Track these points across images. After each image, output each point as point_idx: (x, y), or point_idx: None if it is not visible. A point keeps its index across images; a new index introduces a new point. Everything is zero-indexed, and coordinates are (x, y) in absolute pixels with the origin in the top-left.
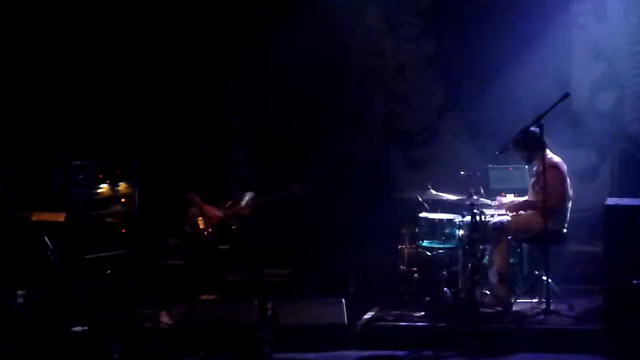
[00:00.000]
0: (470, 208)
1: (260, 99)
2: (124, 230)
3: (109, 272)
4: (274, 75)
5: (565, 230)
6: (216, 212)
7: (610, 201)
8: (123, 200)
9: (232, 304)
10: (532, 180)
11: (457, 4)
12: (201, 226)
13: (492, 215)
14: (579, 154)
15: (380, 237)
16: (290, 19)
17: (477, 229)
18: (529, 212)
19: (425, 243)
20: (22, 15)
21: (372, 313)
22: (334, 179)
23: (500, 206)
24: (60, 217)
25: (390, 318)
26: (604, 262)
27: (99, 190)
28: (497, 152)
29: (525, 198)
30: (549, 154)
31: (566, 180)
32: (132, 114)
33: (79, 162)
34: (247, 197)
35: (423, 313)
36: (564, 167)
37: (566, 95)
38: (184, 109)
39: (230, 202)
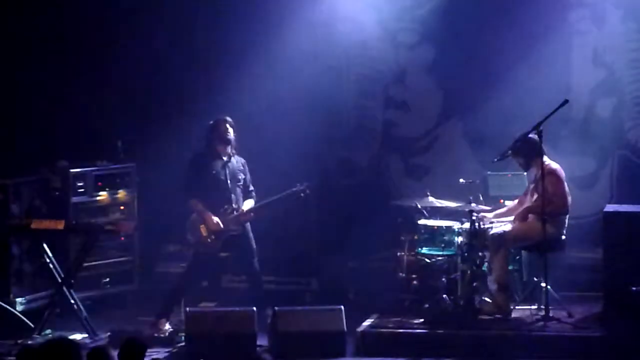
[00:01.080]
0: (469, 215)
1: (259, 104)
2: (123, 238)
3: (108, 279)
4: (273, 81)
5: (564, 237)
6: (218, 220)
7: (610, 208)
8: (122, 207)
9: (232, 311)
10: (532, 186)
11: (456, 11)
12: (204, 234)
13: (491, 222)
14: (578, 161)
15: (379, 244)
16: (289, 25)
17: (476, 236)
18: (530, 218)
19: (424, 250)
20: (21, 21)
21: (371, 320)
22: (333, 187)
23: (497, 216)
24: (60, 225)
25: (390, 325)
26: (603, 269)
27: (99, 198)
28: (495, 159)
29: (515, 203)
30: (547, 160)
31: (565, 185)
32: (132, 121)
33: (78, 170)
34: (248, 203)
35: (422, 320)
36: (562, 173)
37: (565, 102)
38: (183, 115)
39: (230, 209)
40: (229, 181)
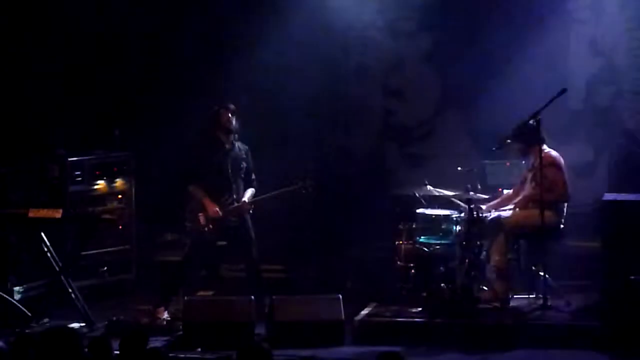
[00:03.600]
0: (467, 204)
1: (257, 94)
2: (120, 227)
3: (105, 268)
4: (271, 70)
5: (562, 225)
6: (217, 208)
7: (608, 197)
8: (120, 196)
9: (230, 300)
10: (530, 174)
11: (454, 0)
12: (202, 222)
13: (489, 211)
14: (576, 150)
15: (377, 233)
16: (287, 14)
17: (475, 224)
18: (530, 205)
19: (423, 239)
20: (18, 11)
21: (369, 309)
22: (331, 175)
23: (490, 207)
24: (57, 214)
25: (388, 314)
26: (601, 257)
27: (96, 187)
28: (494, 148)
29: (509, 192)
30: (546, 148)
31: (565, 172)
32: (129, 109)
33: (75, 159)
34: (249, 193)
35: (420, 309)
36: (562, 160)
37: (563, 91)
38: (181, 103)
39: (230, 199)
40: (230, 170)
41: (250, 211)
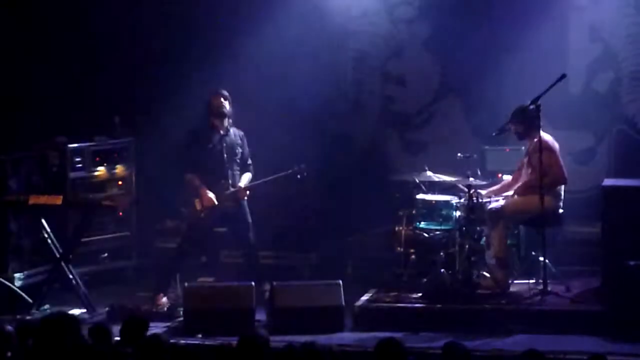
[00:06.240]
0: (467, 190)
1: (257, 81)
2: (121, 213)
3: (106, 254)
4: (271, 57)
5: (561, 211)
6: (213, 194)
7: (607, 182)
8: (120, 183)
9: (230, 286)
10: (525, 160)
11: None
12: (198, 207)
13: (489, 197)
14: (576, 136)
15: (377, 219)
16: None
17: (474, 210)
18: (528, 192)
19: (422, 225)
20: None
21: (370, 295)
22: (331, 161)
23: (489, 193)
24: (58, 200)
25: (388, 300)
26: (601, 243)
27: (96, 173)
28: (494, 133)
29: (509, 179)
30: (541, 132)
31: (559, 155)
32: (129, 96)
33: (76, 145)
34: (245, 178)
35: (420, 295)
36: (556, 144)
37: (563, 77)
38: (181, 89)
39: (227, 184)
40: (225, 155)
41: (246, 197)
